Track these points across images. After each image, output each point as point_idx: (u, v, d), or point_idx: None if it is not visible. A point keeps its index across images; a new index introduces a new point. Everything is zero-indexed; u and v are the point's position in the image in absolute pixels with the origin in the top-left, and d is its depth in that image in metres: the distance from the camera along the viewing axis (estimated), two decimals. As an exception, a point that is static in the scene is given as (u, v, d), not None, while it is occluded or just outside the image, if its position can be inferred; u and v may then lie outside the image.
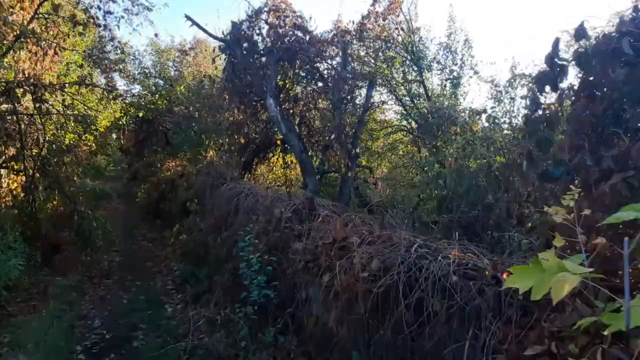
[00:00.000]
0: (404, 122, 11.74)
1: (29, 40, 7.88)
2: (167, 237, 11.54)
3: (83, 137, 10.86)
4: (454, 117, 7.20)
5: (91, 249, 9.02)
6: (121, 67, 16.72)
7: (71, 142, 11.64)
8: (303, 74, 9.88)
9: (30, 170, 9.45)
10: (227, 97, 9.25)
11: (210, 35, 9.57)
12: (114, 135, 21.99)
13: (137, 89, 16.93)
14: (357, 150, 10.23)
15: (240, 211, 6.56)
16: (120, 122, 12.14)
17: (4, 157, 8.64)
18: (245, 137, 9.91)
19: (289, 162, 12.09)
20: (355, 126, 10.01)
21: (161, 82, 18.24)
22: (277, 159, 11.81)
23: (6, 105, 8.20)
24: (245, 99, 9.69)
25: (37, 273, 7.91)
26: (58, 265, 8.74)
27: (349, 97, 9.65)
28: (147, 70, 17.19)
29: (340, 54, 9.78)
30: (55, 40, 8.70)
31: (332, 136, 10.05)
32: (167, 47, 18.50)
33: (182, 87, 18.60)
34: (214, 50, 9.48)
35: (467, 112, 7.62)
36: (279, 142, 9.91)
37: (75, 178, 17.52)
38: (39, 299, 7.03)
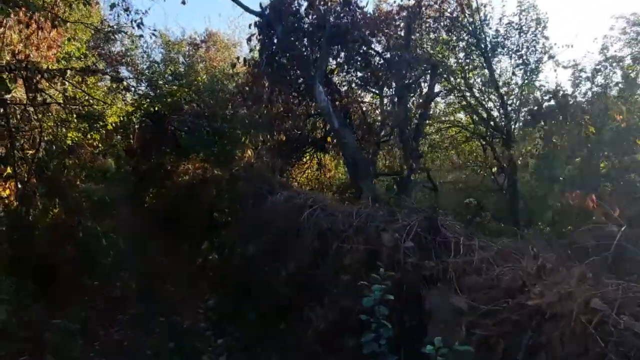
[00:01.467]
0: (462, 116, 9.81)
1: (16, 6, 5.86)
2: (186, 253, 9.55)
3: (88, 135, 8.83)
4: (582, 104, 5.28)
5: (99, 272, 7.01)
6: (128, 59, 14.72)
7: (74, 141, 9.62)
8: (357, 57, 7.92)
9: (25, 175, 7.46)
10: (266, 84, 7.26)
11: (244, 7, 7.59)
12: (119, 136, 19.87)
13: (143, 85, 14.82)
14: (419, 148, 8.31)
15: (310, 232, 4.59)
16: (132, 118, 10.00)
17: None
18: (285, 133, 7.94)
19: (324, 164, 10.18)
20: (418, 120, 8.08)
21: (170, 77, 16.14)
22: (311, 159, 9.88)
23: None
24: (288, 87, 7.73)
25: (28, 308, 5.87)
26: (56, 294, 6.71)
27: (413, 85, 7.70)
28: (155, 65, 15.08)
29: (403, 33, 7.83)
30: (53, 10, 6.68)
31: (391, 132, 8.13)
32: (177, 39, 16.38)
33: (192, 84, 16.58)
34: (249, 27, 7.58)
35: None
36: (328, 138, 7.93)
37: (78, 183, 15.50)
38: (32, 349, 5.02)
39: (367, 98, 9.27)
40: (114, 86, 9.60)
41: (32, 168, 6.88)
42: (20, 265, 6.64)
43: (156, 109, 11.97)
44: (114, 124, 9.66)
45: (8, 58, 6.69)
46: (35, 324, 5.55)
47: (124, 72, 14.43)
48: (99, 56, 12.15)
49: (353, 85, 8.53)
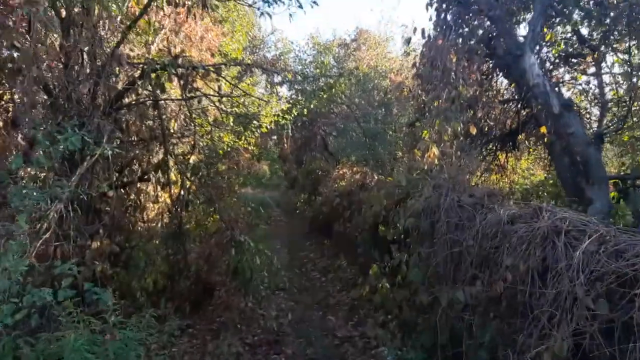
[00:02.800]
0: None
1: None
2: (344, 271, 7.99)
3: (242, 139, 8.00)
4: None
5: (253, 297, 5.80)
6: (282, 65, 14.12)
7: (229, 145, 8.95)
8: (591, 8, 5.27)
9: (187, 182, 6.76)
10: (453, 56, 5.15)
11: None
12: (271, 141, 19.92)
13: (295, 88, 14.00)
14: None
15: (581, 285, 2.35)
16: (285, 120, 8.91)
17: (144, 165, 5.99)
18: (478, 123, 5.70)
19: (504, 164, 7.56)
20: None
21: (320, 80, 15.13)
22: (494, 158, 7.38)
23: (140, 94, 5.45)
24: (481, 61, 5.51)
25: (177, 343, 4.85)
26: (207, 320, 5.74)
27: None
28: (307, 69, 14.18)
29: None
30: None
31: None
32: (327, 41, 15.31)
33: (343, 85, 15.36)
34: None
35: None
36: (542, 128, 5.44)
37: (236, 189, 15.61)
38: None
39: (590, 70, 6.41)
40: (269, 86, 8.60)
41: (185, 174, 5.98)
42: (174, 286, 5.84)
43: (305, 111, 10.88)
44: (267, 127, 8.64)
45: (162, 51, 5.98)
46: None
47: (277, 79, 13.90)
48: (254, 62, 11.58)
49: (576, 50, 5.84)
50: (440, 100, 5.02)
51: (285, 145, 17.41)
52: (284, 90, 7.75)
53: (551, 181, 7.24)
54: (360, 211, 7.87)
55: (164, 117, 5.92)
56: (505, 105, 6.40)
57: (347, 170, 9.93)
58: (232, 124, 7.49)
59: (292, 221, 15.04)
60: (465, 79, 5.20)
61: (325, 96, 6.88)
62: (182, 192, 5.96)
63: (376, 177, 8.43)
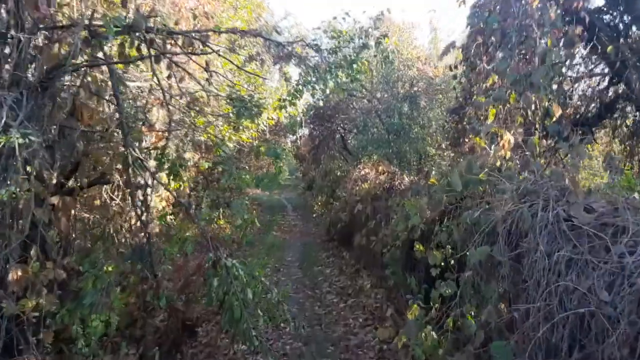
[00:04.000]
0: None
1: None
2: (367, 292, 6.29)
3: (244, 131, 6.36)
4: None
5: (245, 342, 4.13)
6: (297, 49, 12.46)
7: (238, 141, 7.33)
8: None
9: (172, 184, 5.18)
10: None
11: None
12: (289, 141, 18.28)
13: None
14: None
15: None
16: (292, 106, 7.10)
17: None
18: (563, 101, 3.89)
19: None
20: None
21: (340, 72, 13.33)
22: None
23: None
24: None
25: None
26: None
27: None
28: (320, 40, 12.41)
29: None
30: None
31: None
32: (348, 28, 13.54)
33: (366, 62, 13.56)
34: None
35: None
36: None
37: (247, 190, 14.01)
38: None
39: None
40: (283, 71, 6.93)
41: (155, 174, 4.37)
42: (142, 323, 4.24)
43: (320, 94, 9.10)
44: (274, 117, 6.95)
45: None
46: None
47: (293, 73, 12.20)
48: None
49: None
50: (515, 61, 3.23)
51: (299, 142, 15.76)
52: (293, 72, 6.18)
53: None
54: (388, 221, 6.13)
55: (128, 98, 4.33)
56: (592, 80, 4.55)
57: (369, 170, 8.17)
58: (223, 109, 5.79)
59: (308, 226, 13.40)
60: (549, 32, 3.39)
61: (343, 75, 5.21)
62: (140, 198, 4.33)
63: (406, 179, 6.66)
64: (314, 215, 14.39)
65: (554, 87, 3.64)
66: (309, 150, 17.81)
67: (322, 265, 8.29)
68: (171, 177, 4.51)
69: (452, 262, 4.02)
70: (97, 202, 4.69)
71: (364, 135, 13.26)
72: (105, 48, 4.34)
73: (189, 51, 4.47)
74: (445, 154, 10.51)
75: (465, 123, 5.79)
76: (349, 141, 15.93)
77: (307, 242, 10.59)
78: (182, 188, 7.03)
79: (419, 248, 4.69)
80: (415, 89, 12.38)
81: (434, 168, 9.82)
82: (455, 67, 5.95)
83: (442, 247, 4.08)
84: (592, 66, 4.57)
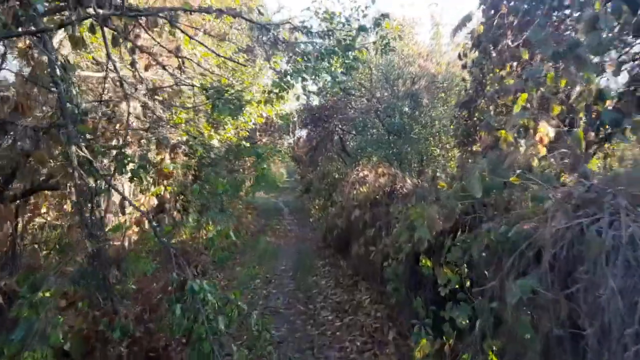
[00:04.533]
0: None
1: None
2: (365, 308, 5.55)
3: (229, 132, 5.59)
4: None
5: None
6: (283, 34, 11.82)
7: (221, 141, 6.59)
8: None
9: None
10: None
11: None
12: (286, 143, 17.56)
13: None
14: None
15: None
16: (278, 99, 6.34)
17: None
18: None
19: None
20: None
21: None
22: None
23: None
24: None
25: None
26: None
27: None
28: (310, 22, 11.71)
29: None
30: None
31: None
32: (343, 8, 12.80)
33: (364, 52, 12.90)
34: None
35: None
36: None
37: (242, 194, 13.26)
38: None
39: None
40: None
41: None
42: (100, 354, 3.50)
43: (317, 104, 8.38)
44: (267, 117, 6.23)
45: None
46: None
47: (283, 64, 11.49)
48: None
49: None
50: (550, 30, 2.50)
51: (297, 143, 15.04)
52: (283, 65, 5.44)
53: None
54: (389, 229, 5.40)
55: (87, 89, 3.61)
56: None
57: (368, 173, 7.42)
58: (200, 102, 5.03)
59: (305, 231, 12.64)
60: None
61: (337, 64, 4.51)
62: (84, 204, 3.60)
63: (409, 182, 5.92)
64: (311, 219, 13.66)
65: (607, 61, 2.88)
66: (306, 152, 17.10)
67: (318, 275, 7.54)
68: (134, 181, 3.77)
69: (468, 283, 3.30)
70: (47, 210, 3.96)
71: (362, 136, 12.55)
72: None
73: (154, 31, 3.75)
74: (450, 154, 9.78)
75: (476, 118, 5.07)
76: (347, 142, 15.23)
77: (302, 248, 9.84)
78: (163, 192, 6.31)
79: (426, 263, 3.96)
80: (417, 86, 11.68)
81: (438, 170, 9.07)
82: (465, 54, 5.24)
83: (454, 265, 3.35)
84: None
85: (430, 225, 3.24)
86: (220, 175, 9.25)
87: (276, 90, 4.69)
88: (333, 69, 5.24)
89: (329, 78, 5.12)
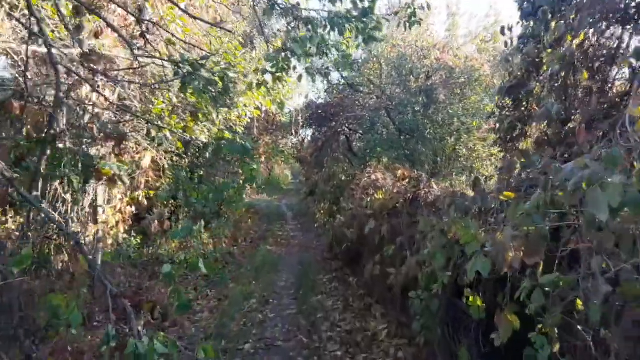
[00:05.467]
0: None
1: None
2: (383, 342, 4.40)
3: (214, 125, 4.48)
4: None
5: None
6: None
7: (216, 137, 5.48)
8: None
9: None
10: None
11: None
12: (290, 143, 16.42)
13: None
14: None
15: None
16: (274, 81, 5.17)
17: None
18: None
19: None
20: None
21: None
22: None
23: None
24: None
25: None
26: None
27: None
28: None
29: None
30: None
31: None
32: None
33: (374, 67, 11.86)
34: None
35: None
36: None
37: (244, 196, 12.12)
38: None
39: None
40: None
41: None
42: None
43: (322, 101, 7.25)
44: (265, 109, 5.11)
45: None
46: None
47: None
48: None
49: None
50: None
51: (303, 143, 13.91)
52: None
53: None
54: (413, 246, 4.25)
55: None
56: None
57: (382, 175, 6.26)
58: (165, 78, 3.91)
59: (309, 237, 11.52)
60: None
61: (351, 34, 3.47)
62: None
63: (435, 187, 4.75)
64: (316, 224, 12.52)
65: None
66: (311, 152, 15.99)
67: (323, 294, 6.40)
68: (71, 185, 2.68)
69: (557, 346, 2.16)
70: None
71: (372, 135, 11.41)
72: None
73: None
74: (474, 154, 8.58)
75: (527, 106, 3.92)
76: (355, 143, 14.10)
77: (306, 259, 8.70)
78: (139, 199, 5.23)
79: (475, 303, 2.82)
80: (431, 82, 10.53)
81: (475, 172, 7.87)
82: (510, 28, 4.10)
83: (525, 310, 2.21)
84: None
85: (498, 258, 2.09)
86: (208, 181, 8.14)
87: (272, 69, 3.56)
88: (345, 46, 4.13)
89: (339, 57, 4.00)
